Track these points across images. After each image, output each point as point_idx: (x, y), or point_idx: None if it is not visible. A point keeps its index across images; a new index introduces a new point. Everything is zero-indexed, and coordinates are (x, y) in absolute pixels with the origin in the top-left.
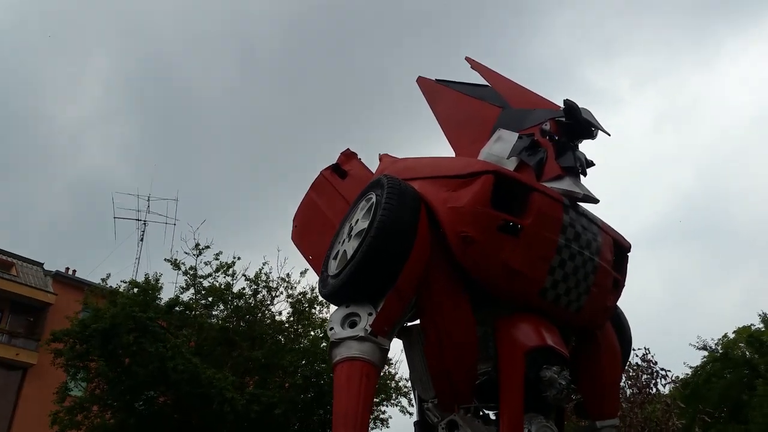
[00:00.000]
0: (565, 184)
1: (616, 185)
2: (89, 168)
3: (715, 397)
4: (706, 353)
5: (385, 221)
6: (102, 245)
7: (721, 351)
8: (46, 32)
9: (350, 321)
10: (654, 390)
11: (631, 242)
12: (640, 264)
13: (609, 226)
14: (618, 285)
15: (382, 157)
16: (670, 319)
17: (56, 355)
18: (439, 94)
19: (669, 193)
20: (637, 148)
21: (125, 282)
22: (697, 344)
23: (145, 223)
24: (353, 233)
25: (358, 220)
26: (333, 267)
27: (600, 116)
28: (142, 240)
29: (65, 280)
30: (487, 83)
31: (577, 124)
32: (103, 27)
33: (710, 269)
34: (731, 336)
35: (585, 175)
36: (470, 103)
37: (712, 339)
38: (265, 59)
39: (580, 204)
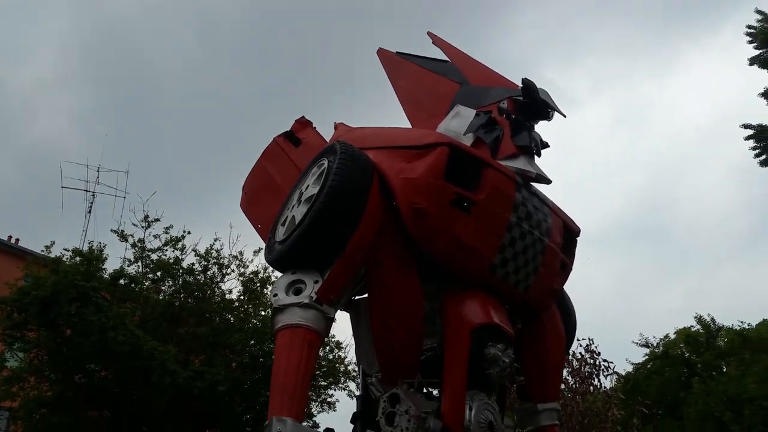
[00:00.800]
0: (520, 163)
1: (570, 184)
2: (39, 135)
3: (653, 392)
4: (647, 350)
5: (335, 186)
6: (48, 216)
7: (662, 350)
8: None
9: (295, 288)
10: (596, 381)
11: (581, 236)
12: (590, 261)
13: (560, 209)
14: (565, 267)
15: (338, 126)
16: (615, 317)
17: None
18: (400, 67)
19: (621, 195)
20: (593, 149)
21: (68, 251)
22: (639, 341)
23: (93, 195)
24: (303, 198)
25: (308, 185)
26: (281, 233)
27: (558, 116)
28: (89, 212)
29: (7, 249)
30: (447, 59)
31: (534, 103)
32: None
33: (655, 271)
34: (672, 336)
35: (539, 155)
36: (430, 78)
37: (654, 337)
38: (227, 30)
39: (533, 184)
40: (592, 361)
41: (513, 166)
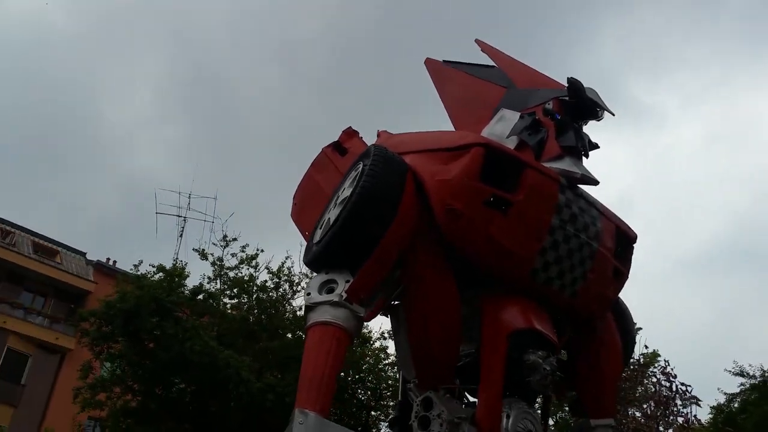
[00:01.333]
0: (564, 164)
1: (664, 205)
2: (138, 166)
3: (750, 426)
4: (742, 379)
5: (368, 186)
6: (144, 240)
7: (760, 379)
8: (104, 36)
9: (328, 287)
10: (675, 408)
11: (676, 258)
12: (689, 287)
13: (612, 213)
14: (620, 275)
15: (380, 133)
16: (715, 347)
17: (82, 335)
18: (446, 75)
19: (721, 215)
20: (688, 168)
21: (153, 266)
22: (733, 369)
23: (185, 220)
24: (338, 201)
25: (344, 188)
26: (318, 235)
27: (647, 133)
28: (181, 236)
29: (105, 270)
30: (494, 64)
31: (580, 102)
32: (154, 32)
33: (761, 297)
34: None
35: (587, 156)
36: (475, 84)
37: (750, 365)
38: (307, 62)
39: (581, 186)
40: (668, 384)
41: (557, 167)
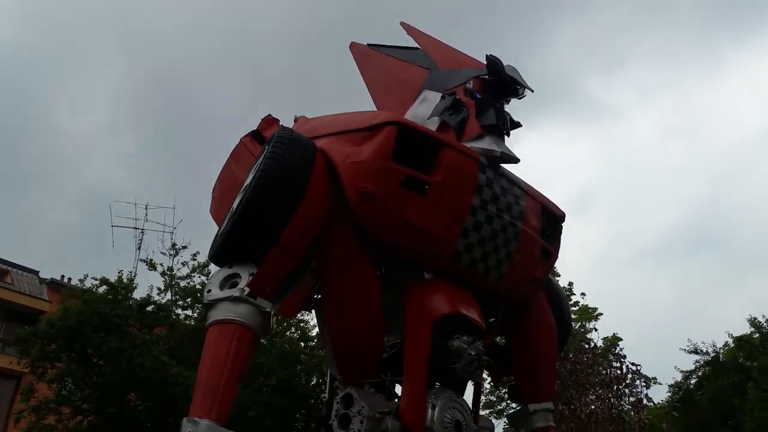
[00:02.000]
0: (485, 143)
1: (625, 196)
2: (95, 179)
3: (705, 401)
4: (697, 357)
5: (268, 170)
6: (102, 255)
7: (713, 355)
8: (58, 45)
9: (231, 282)
10: (625, 388)
11: (635, 248)
12: (649, 274)
13: (538, 192)
14: (548, 255)
15: (297, 119)
16: (675, 331)
17: (21, 356)
18: (369, 58)
19: (679, 205)
20: (646, 161)
21: (96, 280)
22: (687, 348)
23: (142, 231)
24: (242, 189)
25: (249, 175)
26: (223, 227)
27: (606, 129)
28: (139, 248)
29: (60, 288)
30: (418, 46)
31: (500, 80)
32: (112, 40)
33: (717, 281)
34: (731, 345)
35: (508, 134)
36: (398, 66)
37: (703, 343)
38: (271, 73)
39: (504, 165)
40: (617, 364)
41: (477, 147)
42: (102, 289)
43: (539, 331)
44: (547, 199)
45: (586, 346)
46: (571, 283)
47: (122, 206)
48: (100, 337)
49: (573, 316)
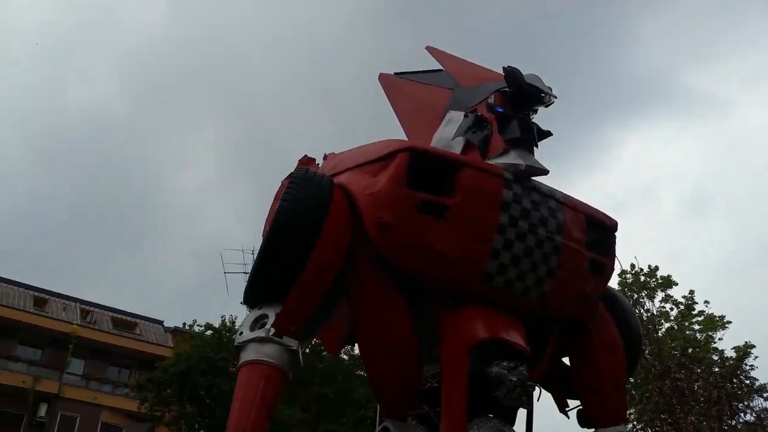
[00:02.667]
0: (509, 158)
1: (744, 190)
2: (207, 231)
3: None
4: None
5: (283, 212)
6: (219, 300)
7: None
8: (159, 112)
9: (261, 323)
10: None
11: None
12: None
13: (580, 202)
14: (600, 268)
15: (327, 157)
16: None
17: (141, 402)
18: (397, 87)
19: None
20: (761, 150)
21: (200, 326)
22: None
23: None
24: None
25: None
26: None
27: (711, 121)
28: None
29: (183, 334)
30: (441, 68)
31: (522, 91)
32: (210, 103)
33: None
34: None
35: (536, 146)
36: (424, 91)
37: None
38: (352, 117)
39: (536, 178)
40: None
41: (502, 162)
42: (208, 333)
43: (602, 349)
44: (593, 208)
45: (715, 358)
46: (692, 291)
47: (232, 253)
48: (209, 380)
49: (696, 327)
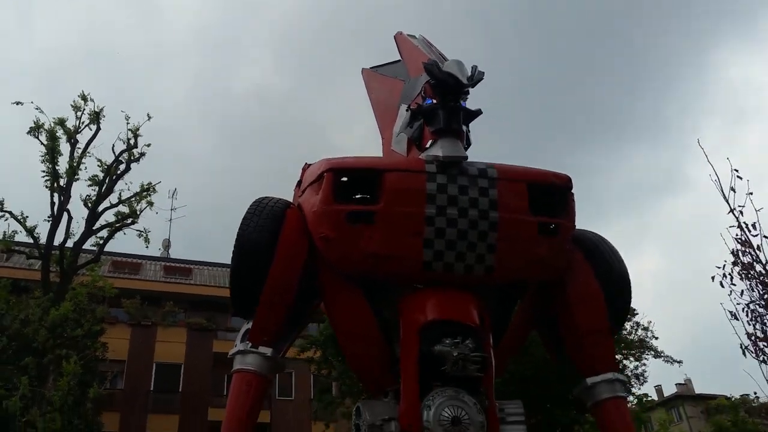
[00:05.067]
0: (434, 149)
1: None
2: None
3: None
4: None
5: (239, 240)
6: None
7: None
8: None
9: (245, 336)
10: None
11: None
12: None
13: (523, 170)
14: (553, 229)
15: (304, 167)
16: None
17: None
18: (371, 81)
19: None
20: None
21: None
22: None
23: None
24: None
25: None
26: None
27: None
28: None
29: None
30: (400, 58)
31: (441, 81)
32: (359, 61)
33: None
34: None
35: (461, 130)
36: (387, 84)
37: None
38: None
39: (469, 164)
40: None
41: (426, 155)
42: None
43: (578, 301)
44: (539, 172)
45: None
46: None
47: None
48: None
49: None
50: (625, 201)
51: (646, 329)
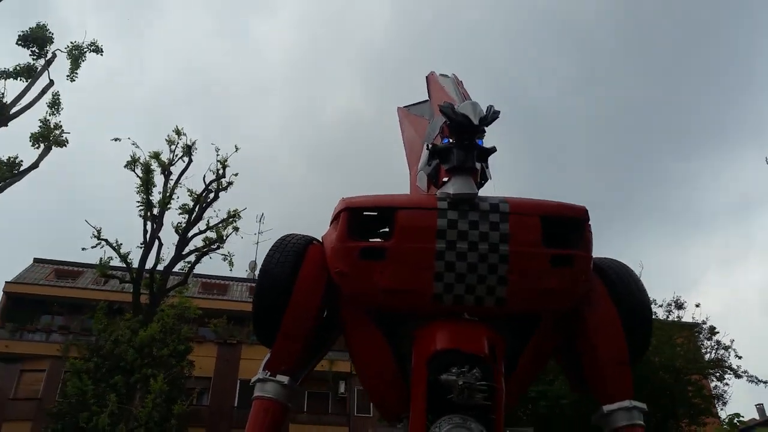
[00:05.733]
0: (447, 187)
1: None
2: None
3: None
4: None
5: (262, 274)
6: None
7: None
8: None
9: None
10: None
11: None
12: None
13: (537, 204)
14: (565, 261)
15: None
16: None
17: None
18: (403, 120)
19: None
20: None
21: None
22: None
23: None
24: None
25: None
26: None
27: None
28: None
29: None
30: (428, 98)
31: (455, 122)
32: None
33: None
34: None
35: (475, 168)
36: (416, 123)
37: None
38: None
39: (482, 200)
40: None
41: (440, 193)
42: None
43: (596, 330)
44: (553, 204)
45: None
46: None
47: None
48: None
49: None
50: (731, 212)
51: (727, 348)
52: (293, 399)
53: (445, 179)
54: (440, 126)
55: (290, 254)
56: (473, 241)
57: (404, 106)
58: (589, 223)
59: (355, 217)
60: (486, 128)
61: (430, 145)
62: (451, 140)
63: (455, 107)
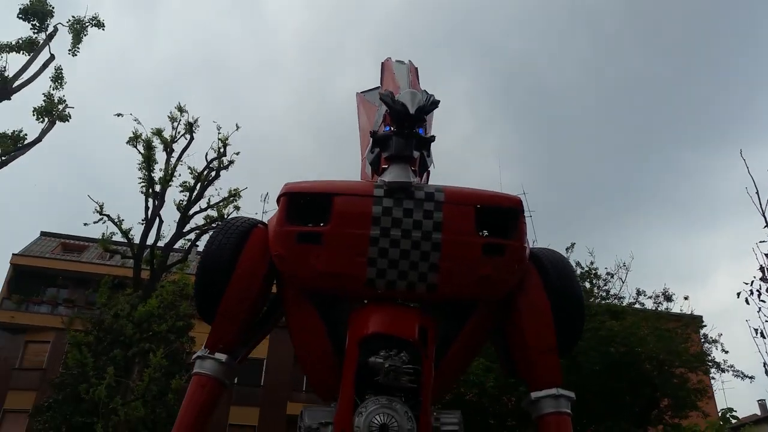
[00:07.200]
0: (385, 175)
1: None
2: (476, 176)
3: None
4: None
5: (204, 255)
6: None
7: None
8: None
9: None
10: None
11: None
12: None
13: (472, 194)
14: (499, 249)
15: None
16: None
17: None
18: (360, 105)
19: None
20: None
21: None
22: None
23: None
24: None
25: None
26: None
27: None
28: None
29: None
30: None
31: (395, 111)
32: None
33: None
34: None
35: (412, 155)
36: (368, 109)
37: None
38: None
39: (418, 188)
40: None
41: (380, 180)
42: None
43: (527, 317)
44: (490, 194)
45: None
46: None
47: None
48: None
49: None
50: (745, 203)
51: (714, 342)
52: (231, 376)
53: (385, 167)
54: (383, 114)
55: (233, 236)
56: (407, 229)
57: (362, 92)
58: (524, 213)
59: (295, 202)
60: (426, 117)
61: (371, 133)
62: (392, 128)
63: (395, 96)
